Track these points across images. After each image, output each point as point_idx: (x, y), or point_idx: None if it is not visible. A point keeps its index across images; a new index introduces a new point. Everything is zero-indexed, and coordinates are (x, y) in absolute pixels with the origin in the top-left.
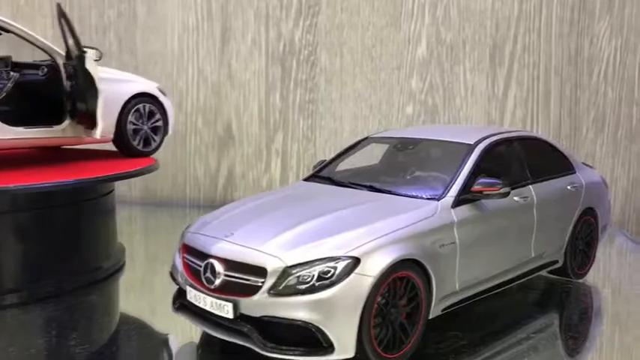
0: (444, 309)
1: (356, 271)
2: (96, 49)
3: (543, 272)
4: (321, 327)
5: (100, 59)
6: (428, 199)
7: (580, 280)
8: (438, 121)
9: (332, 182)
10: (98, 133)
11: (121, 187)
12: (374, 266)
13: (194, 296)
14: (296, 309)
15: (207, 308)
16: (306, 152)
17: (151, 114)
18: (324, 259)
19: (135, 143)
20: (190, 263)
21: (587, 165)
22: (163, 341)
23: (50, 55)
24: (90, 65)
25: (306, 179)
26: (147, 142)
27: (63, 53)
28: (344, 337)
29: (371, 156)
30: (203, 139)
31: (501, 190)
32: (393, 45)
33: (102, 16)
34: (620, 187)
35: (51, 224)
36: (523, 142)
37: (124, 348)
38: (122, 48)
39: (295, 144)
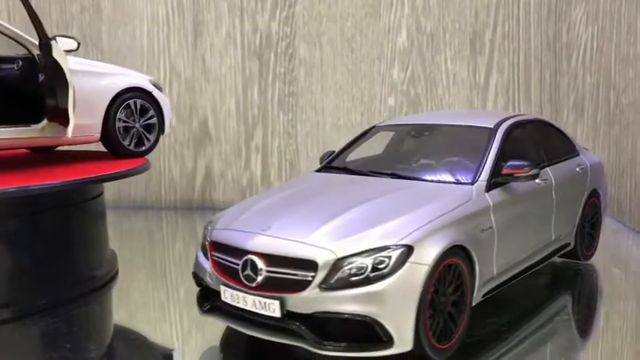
0: (484, 295)
1: (410, 259)
2: (72, 38)
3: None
4: (379, 320)
5: (77, 49)
6: (462, 183)
7: (588, 262)
8: (421, 111)
9: (350, 172)
10: (69, 131)
11: None
12: (427, 254)
13: (231, 296)
14: (351, 302)
15: (249, 308)
16: (288, 147)
17: (144, 110)
18: (376, 249)
19: (126, 143)
20: (223, 261)
21: (584, 148)
22: (167, 356)
23: (25, 47)
24: (58, 55)
25: (319, 170)
26: (140, 141)
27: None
28: (402, 329)
29: (376, 145)
30: (178, 137)
31: (531, 172)
32: (373, 35)
33: (63, 12)
34: None
35: (39, 231)
36: (534, 125)
37: None
38: (87, 44)
39: (276, 139)
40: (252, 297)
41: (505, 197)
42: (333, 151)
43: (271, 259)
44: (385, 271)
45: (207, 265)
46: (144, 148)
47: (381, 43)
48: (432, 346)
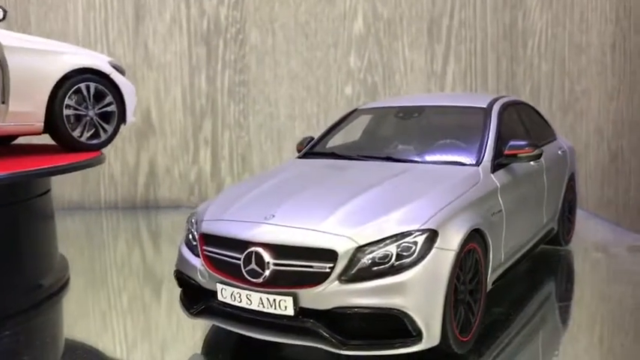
0: (493, 283)
1: (436, 245)
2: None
3: None
4: (409, 313)
5: (3, 19)
6: (466, 165)
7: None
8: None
9: (338, 157)
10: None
11: None
12: (452, 239)
13: (231, 295)
14: (375, 295)
15: (254, 307)
16: (239, 140)
17: (100, 96)
18: (400, 234)
19: (76, 134)
20: (218, 256)
21: None
22: None
23: None
24: None
25: (302, 157)
26: (96, 132)
27: None
28: (431, 322)
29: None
30: None
31: (535, 152)
32: (328, 21)
33: None
34: None
35: None
36: (520, 107)
37: None
38: (12, 27)
39: (226, 131)
40: (258, 294)
41: (509, 179)
42: (312, 137)
43: (280, 251)
44: (411, 258)
45: (196, 261)
46: (99, 140)
47: (336, 30)
48: (456, 338)
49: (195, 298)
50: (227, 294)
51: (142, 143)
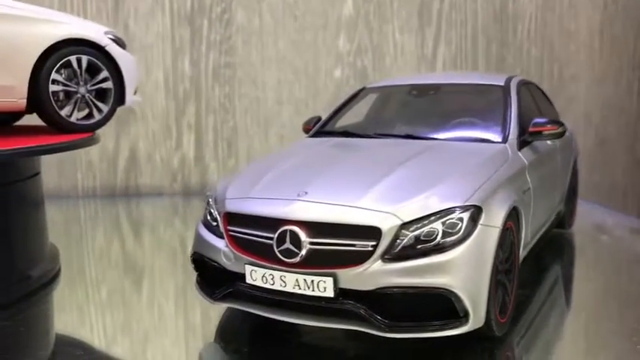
0: (520, 263)
1: (481, 222)
2: None
3: None
4: (457, 292)
5: None
6: (493, 142)
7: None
8: None
9: (353, 135)
10: None
11: None
12: (496, 215)
13: (262, 277)
14: (421, 274)
15: (289, 289)
16: (225, 124)
17: (94, 71)
18: (444, 210)
19: (64, 112)
20: (246, 236)
21: None
22: None
23: None
24: None
25: (313, 136)
26: (89, 112)
27: None
28: (478, 302)
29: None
30: None
31: (559, 129)
32: (318, 2)
33: None
34: None
35: None
36: (530, 86)
37: None
38: None
39: (211, 116)
40: (293, 275)
41: (534, 157)
42: (320, 117)
43: (317, 229)
44: (457, 235)
45: (219, 242)
46: (93, 120)
47: (325, 11)
48: (497, 320)
49: (216, 282)
50: (257, 276)
51: (122, 128)
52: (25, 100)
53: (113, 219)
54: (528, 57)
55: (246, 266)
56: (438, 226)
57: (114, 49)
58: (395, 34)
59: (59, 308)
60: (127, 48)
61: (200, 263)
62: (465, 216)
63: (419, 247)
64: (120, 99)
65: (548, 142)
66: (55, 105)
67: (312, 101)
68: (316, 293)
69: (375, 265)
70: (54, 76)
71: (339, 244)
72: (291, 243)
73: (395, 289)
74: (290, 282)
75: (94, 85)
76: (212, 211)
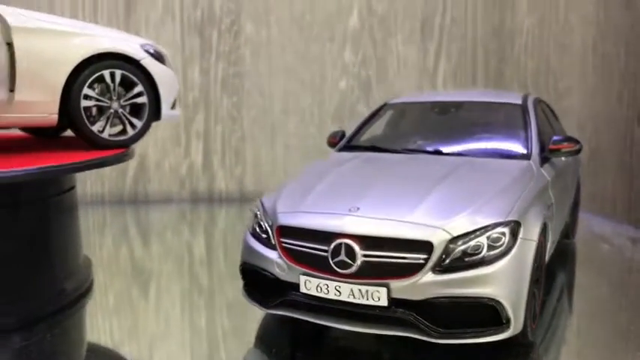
0: None
1: (520, 235)
2: None
3: None
4: (502, 301)
5: None
6: (517, 158)
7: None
8: (372, 96)
9: (381, 150)
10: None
11: None
12: (532, 230)
13: (317, 287)
14: (469, 285)
15: (344, 299)
16: (233, 134)
17: (128, 86)
18: (489, 226)
19: (96, 128)
20: (301, 248)
21: None
22: None
23: None
24: None
25: (342, 150)
26: (123, 128)
27: None
28: (518, 310)
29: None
30: None
31: (576, 147)
32: (324, 15)
33: None
34: None
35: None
36: (542, 103)
37: None
38: None
39: (219, 125)
40: (348, 286)
41: (554, 173)
42: (344, 131)
43: (370, 243)
44: (501, 249)
45: (271, 254)
46: (127, 136)
47: (331, 24)
48: (530, 326)
49: (266, 291)
50: (312, 286)
51: None
52: (56, 116)
53: (122, 226)
54: (526, 70)
55: (301, 276)
56: (483, 240)
57: (149, 63)
58: (398, 47)
59: (92, 318)
60: (167, 60)
61: (249, 273)
62: (507, 231)
63: (466, 259)
64: (155, 114)
65: (562, 157)
66: (86, 121)
67: (317, 111)
68: (370, 302)
69: (427, 276)
70: (86, 91)
71: (391, 256)
72: (345, 255)
73: (443, 299)
74: (345, 292)
75: (127, 100)
76: (262, 223)
